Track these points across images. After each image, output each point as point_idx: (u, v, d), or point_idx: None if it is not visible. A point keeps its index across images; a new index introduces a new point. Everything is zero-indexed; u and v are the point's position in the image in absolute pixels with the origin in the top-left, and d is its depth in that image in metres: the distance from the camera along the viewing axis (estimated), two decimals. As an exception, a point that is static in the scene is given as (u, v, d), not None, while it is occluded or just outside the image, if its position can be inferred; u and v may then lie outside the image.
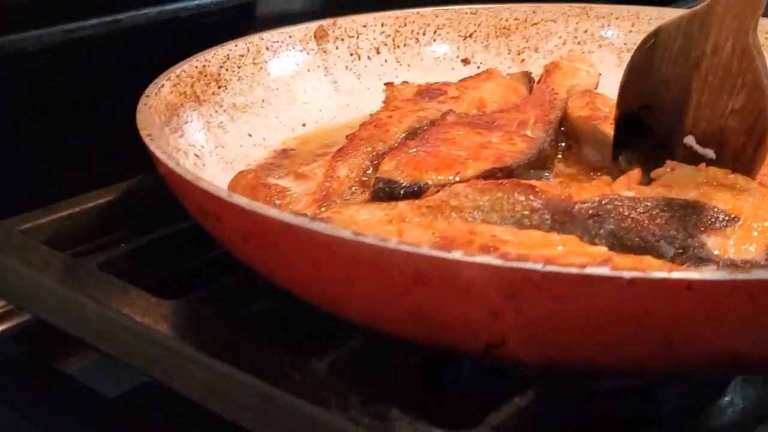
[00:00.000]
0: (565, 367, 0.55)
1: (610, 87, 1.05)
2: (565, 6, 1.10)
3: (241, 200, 0.57)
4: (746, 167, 0.74)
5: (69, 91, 0.92)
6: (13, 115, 0.88)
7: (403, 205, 0.74)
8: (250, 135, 0.90)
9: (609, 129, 0.87)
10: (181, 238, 0.79)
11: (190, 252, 0.79)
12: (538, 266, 0.48)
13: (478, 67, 1.08)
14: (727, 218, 0.69)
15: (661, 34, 0.79)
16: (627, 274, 0.47)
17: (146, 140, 0.65)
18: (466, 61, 1.08)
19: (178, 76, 0.83)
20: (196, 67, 0.86)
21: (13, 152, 0.89)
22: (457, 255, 0.50)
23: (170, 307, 0.65)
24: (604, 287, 0.47)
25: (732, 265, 0.66)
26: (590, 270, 0.47)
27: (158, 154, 0.61)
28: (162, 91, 0.79)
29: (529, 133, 0.87)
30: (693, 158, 0.76)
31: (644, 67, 0.80)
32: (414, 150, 0.81)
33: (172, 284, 0.73)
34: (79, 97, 0.92)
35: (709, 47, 0.74)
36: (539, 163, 0.85)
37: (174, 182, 0.62)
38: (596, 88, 1.05)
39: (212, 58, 0.89)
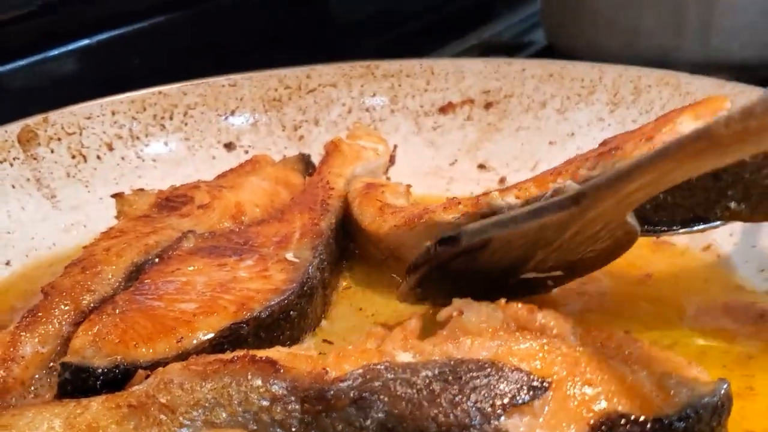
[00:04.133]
0: None
1: (409, 159, 0.88)
2: (346, 66, 0.90)
3: None
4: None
5: None
6: None
7: (96, 406, 0.54)
8: None
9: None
10: None
11: None
12: None
13: (246, 152, 0.88)
14: (534, 385, 0.50)
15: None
16: None
17: None
18: (230, 146, 0.87)
19: None
20: None
21: None
22: None
23: None
24: None
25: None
26: None
27: None
28: None
29: (290, 255, 0.67)
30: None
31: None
32: (119, 311, 0.59)
33: None
34: None
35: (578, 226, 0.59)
36: (304, 301, 0.64)
37: None
38: (392, 164, 0.85)
39: None
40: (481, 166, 0.86)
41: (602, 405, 0.50)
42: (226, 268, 0.65)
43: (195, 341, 0.57)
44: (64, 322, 0.62)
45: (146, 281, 0.63)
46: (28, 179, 0.78)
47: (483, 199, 0.66)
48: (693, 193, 0.61)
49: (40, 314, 0.62)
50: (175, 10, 1.04)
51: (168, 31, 1.04)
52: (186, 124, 0.86)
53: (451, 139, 0.88)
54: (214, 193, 0.77)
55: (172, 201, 0.76)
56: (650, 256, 0.73)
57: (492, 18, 1.58)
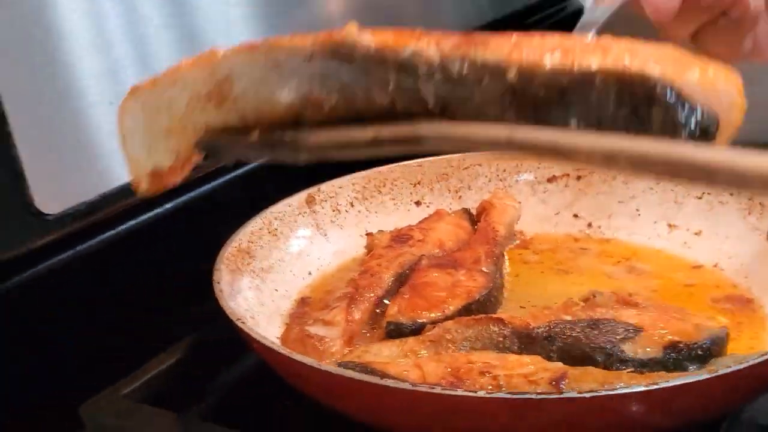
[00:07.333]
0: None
1: (526, 215, 1.38)
2: (488, 153, 1.43)
3: (329, 368, 0.87)
4: None
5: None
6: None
7: (411, 341, 0.98)
8: (276, 290, 1.17)
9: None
10: (254, 373, 1.00)
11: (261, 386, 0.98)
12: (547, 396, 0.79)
13: (428, 206, 1.37)
14: (635, 330, 1.00)
15: None
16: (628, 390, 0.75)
17: (244, 328, 0.94)
18: (418, 203, 1.39)
19: (227, 258, 1.11)
20: (235, 246, 1.15)
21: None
22: (481, 394, 0.81)
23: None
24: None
25: (641, 362, 0.99)
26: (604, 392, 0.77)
27: (266, 343, 0.90)
28: (224, 274, 1.07)
29: (484, 269, 1.19)
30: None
31: None
32: (407, 296, 1.11)
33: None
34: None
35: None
36: (495, 291, 1.16)
37: (274, 360, 0.91)
38: (520, 215, 1.38)
39: (242, 236, 1.17)
40: (575, 215, 1.37)
41: (669, 338, 0.98)
42: (451, 276, 1.16)
43: (451, 310, 1.07)
44: (371, 302, 1.11)
45: (413, 282, 1.15)
46: (311, 224, 1.28)
47: (339, 32, 0.62)
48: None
49: (357, 298, 1.12)
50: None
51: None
52: (392, 190, 1.37)
53: (555, 198, 1.37)
54: (424, 233, 1.29)
55: (401, 237, 1.27)
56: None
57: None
